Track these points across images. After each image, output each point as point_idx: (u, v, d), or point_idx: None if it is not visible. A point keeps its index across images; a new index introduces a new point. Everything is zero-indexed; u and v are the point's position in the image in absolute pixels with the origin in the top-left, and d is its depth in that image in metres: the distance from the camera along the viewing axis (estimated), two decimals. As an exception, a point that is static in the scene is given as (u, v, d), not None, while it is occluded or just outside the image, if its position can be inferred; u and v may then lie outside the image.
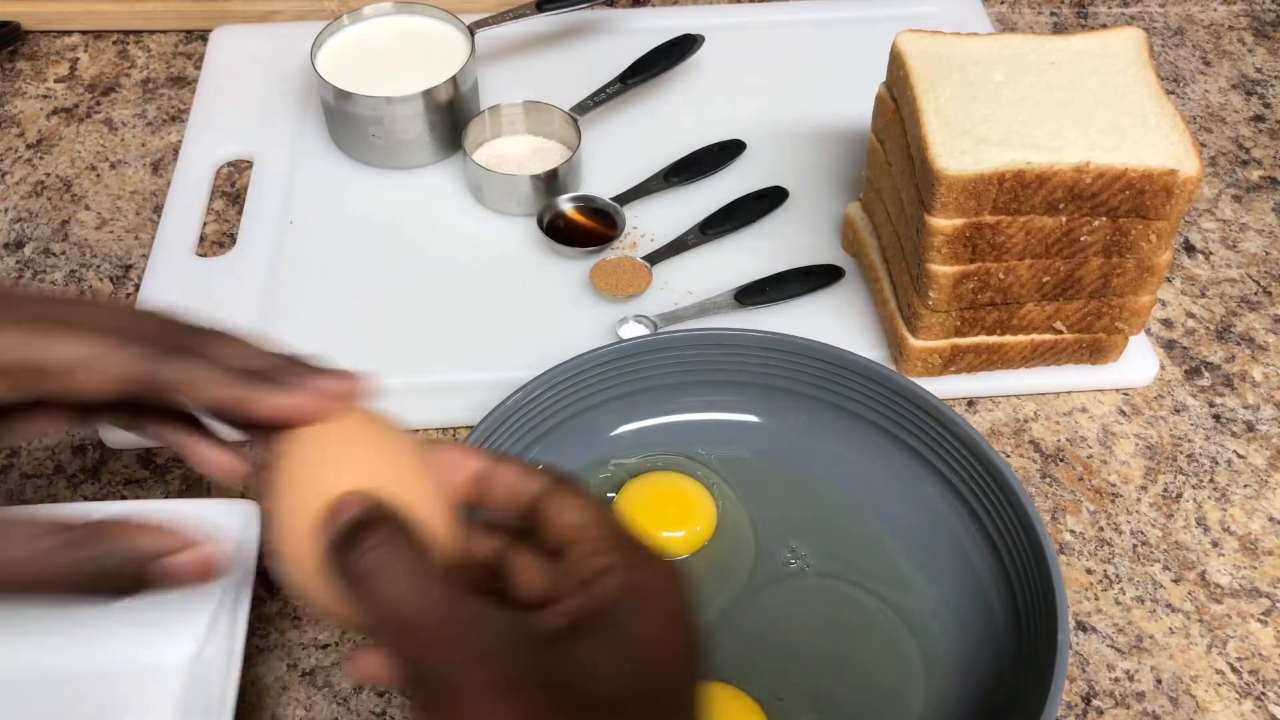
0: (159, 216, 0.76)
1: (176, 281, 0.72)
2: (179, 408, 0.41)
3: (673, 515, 0.59)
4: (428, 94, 0.75)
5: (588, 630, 0.34)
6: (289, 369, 0.38)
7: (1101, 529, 0.63)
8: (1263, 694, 0.57)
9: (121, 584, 0.37)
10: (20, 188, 0.80)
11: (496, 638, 0.33)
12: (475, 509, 0.40)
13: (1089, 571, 0.61)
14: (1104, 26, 0.84)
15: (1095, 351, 0.68)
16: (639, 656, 0.35)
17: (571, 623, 0.35)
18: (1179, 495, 0.65)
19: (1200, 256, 0.77)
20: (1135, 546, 0.62)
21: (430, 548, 0.36)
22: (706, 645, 0.37)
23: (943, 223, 0.60)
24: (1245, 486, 0.65)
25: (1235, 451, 0.67)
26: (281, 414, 0.38)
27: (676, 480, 0.61)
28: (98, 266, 0.75)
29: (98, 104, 0.85)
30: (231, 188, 0.79)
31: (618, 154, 0.80)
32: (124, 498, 0.63)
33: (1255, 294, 0.75)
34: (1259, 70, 0.90)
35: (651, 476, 0.61)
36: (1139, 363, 0.69)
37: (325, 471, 0.37)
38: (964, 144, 0.59)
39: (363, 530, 0.35)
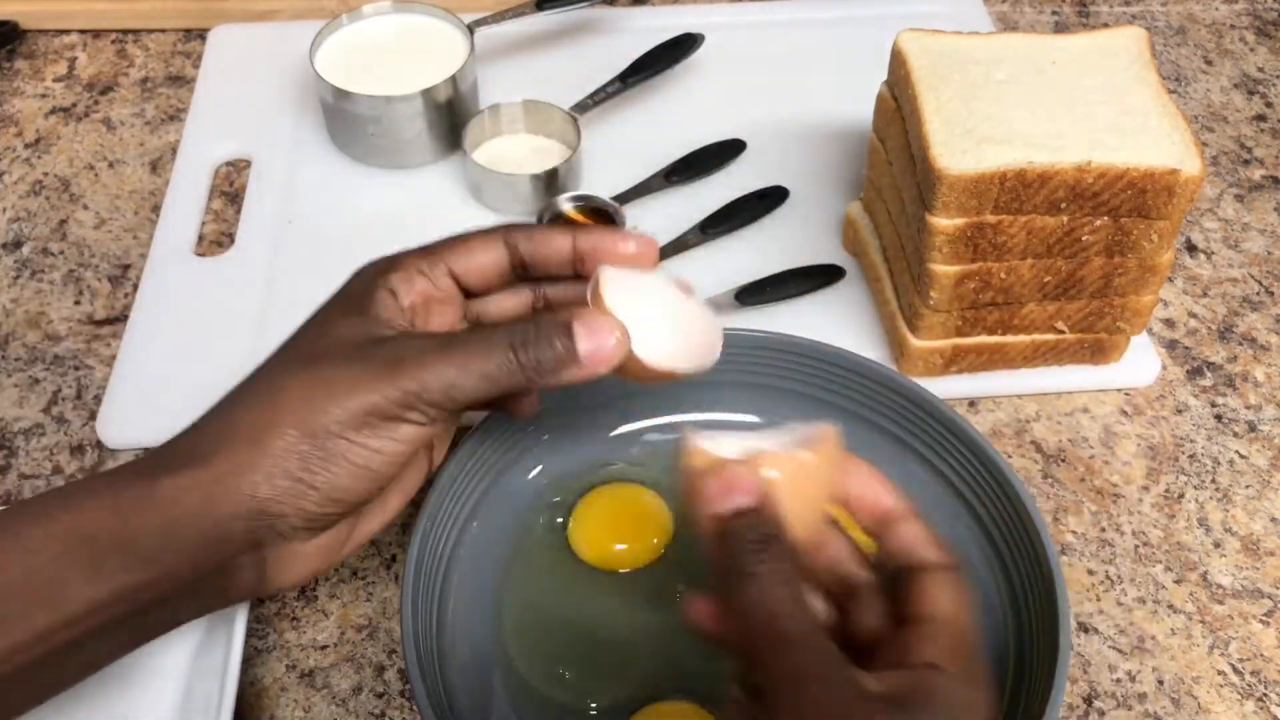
0: (157, 216, 0.76)
1: (175, 281, 0.72)
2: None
3: (630, 529, 0.59)
4: (427, 93, 0.75)
5: (895, 710, 0.37)
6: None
7: (1103, 529, 0.63)
8: (1265, 695, 0.57)
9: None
10: (18, 187, 0.79)
11: (829, 669, 0.37)
12: (873, 538, 0.44)
13: (1090, 572, 0.61)
14: (1105, 25, 0.84)
15: (1097, 351, 0.67)
16: None
17: (888, 694, 0.37)
18: (1181, 496, 0.64)
19: (1202, 256, 0.77)
20: (1137, 547, 0.62)
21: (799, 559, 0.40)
22: None
23: (944, 222, 0.60)
24: (1247, 487, 0.65)
25: (1237, 452, 0.66)
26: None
27: (630, 492, 0.61)
28: (96, 266, 0.74)
29: (96, 103, 0.85)
30: (230, 187, 0.79)
31: (618, 153, 0.79)
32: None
33: (1257, 294, 0.74)
34: (1261, 69, 0.90)
35: (605, 490, 0.61)
36: (1141, 363, 0.69)
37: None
38: (965, 143, 0.59)
39: (758, 544, 0.39)
